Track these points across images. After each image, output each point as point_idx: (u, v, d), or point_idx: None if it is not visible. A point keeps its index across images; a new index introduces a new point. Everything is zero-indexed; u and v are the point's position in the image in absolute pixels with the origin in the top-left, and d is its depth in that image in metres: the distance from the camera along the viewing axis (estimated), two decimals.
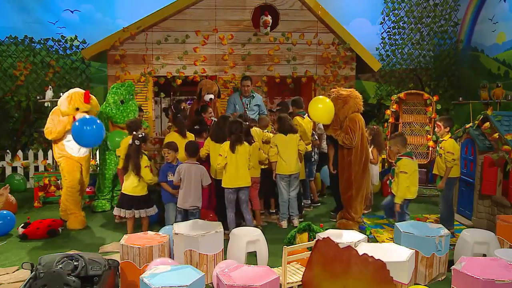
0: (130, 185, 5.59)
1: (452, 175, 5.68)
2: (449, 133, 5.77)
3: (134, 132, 5.74)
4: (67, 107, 6.13)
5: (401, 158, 5.43)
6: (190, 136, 6.32)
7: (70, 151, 6.18)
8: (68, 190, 6.23)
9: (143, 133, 5.73)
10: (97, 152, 7.65)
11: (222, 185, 5.66)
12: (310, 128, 6.86)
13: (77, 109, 6.11)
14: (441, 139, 5.80)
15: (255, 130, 6.30)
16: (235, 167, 5.57)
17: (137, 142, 5.58)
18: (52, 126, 6.18)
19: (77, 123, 5.37)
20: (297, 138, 6.18)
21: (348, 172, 5.90)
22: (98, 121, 5.48)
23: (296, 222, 6.16)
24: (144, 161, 5.61)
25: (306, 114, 6.95)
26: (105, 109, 6.92)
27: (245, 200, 5.71)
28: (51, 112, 6.35)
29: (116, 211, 5.69)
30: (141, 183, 5.60)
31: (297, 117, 6.68)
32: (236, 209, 5.74)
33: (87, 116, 5.63)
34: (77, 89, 6.33)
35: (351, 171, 5.88)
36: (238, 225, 5.61)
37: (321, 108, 5.81)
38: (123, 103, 6.93)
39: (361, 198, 5.94)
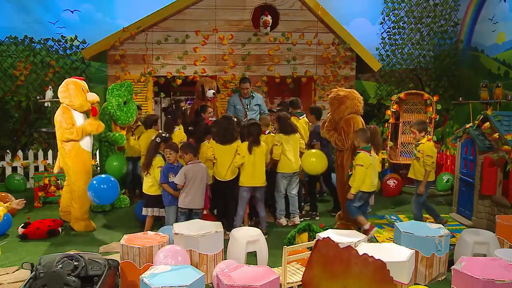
0: (147, 185, 5.72)
1: (428, 179, 5.64)
2: (425, 136, 5.75)
3: (160, 131, 5.81)
4: (77, 95, 5.98)
5: (359, 152, 5.49)
6: (182, 136, 6.36)
7: (85, 147, 6.09)
8: (83, 192, 6.00)
9: (167, 134, 5.79)
10: (97, 152, 7.65)
11: (238, 184, 5.76)
12: (307, 129, 6.87)
13: (82, 89, 6.09)
14: (418, 142, 5.74)
15: None
16: (252, 167, 5.67)
17: (158, 140, 5.65)
18: (73, 124, 5.90)
19: (94, 181, 5.57)
20: (298, 137, 6.23)
21: (342, 174, 5.87)
22: (112, 178, 5.67)
23: (297, 220, 6.18)
24: (158, 161, 5.66)
25: (304, 115, 6.97)
26: (108, 110, 6.91)
27: (261, 199, 5.85)
28: (60, 114, 5.96)
29: (143, 211, 5.84)
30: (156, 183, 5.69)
31: (293, 118, 6.69)
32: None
33: (103, 176, 5.70)
34: (63, 83, 6.14)
35: (344, 173, 5.85)
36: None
37: (314, 161, 6.09)
38: (125, 104, 6.93)
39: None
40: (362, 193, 5.45)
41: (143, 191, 5.84)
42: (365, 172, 5.36)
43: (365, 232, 5.36)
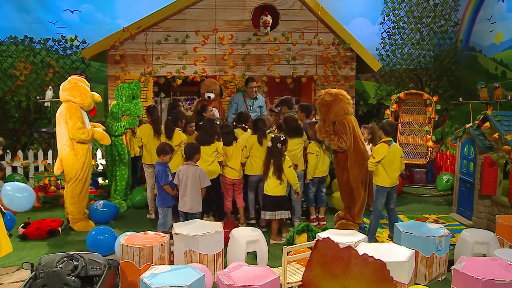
0: (271, 185, 5.63)
1: (380, 183, 5.46)
2: (383, 137, 5.53)
3: (275, 135, 5.79)
4: (87, 93, 5.95)
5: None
6: (183, 137, 6.35)
7: (91, 146, 6.13)
8: (81, 191, 6.05)
9: (284, 137, 5.72)
10: (97, 152, 7.66)
11: (246, 173, 6.14)
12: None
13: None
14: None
15: (239, 130, 6.42)
16: (260, 158, 5.91)
17: (279, 145, 5.59)
18: (83, 124, 5.88)
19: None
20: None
21: (347, 175, 5.81)
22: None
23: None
24: (288, 162, 5.65)
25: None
26: (117, 104, 6.96)
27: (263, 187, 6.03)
28: (71, 112, 5.85)
29: (264, 215, 5.75)
30: (283, 183, 5.67)
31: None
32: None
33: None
34: (68, 81, 6.02)
35: (349, 174, 5.80)
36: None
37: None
38: (134, 98, 7.01)
39: (363, 200, 5.85)
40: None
41: (266, 193, 5.67)
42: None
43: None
